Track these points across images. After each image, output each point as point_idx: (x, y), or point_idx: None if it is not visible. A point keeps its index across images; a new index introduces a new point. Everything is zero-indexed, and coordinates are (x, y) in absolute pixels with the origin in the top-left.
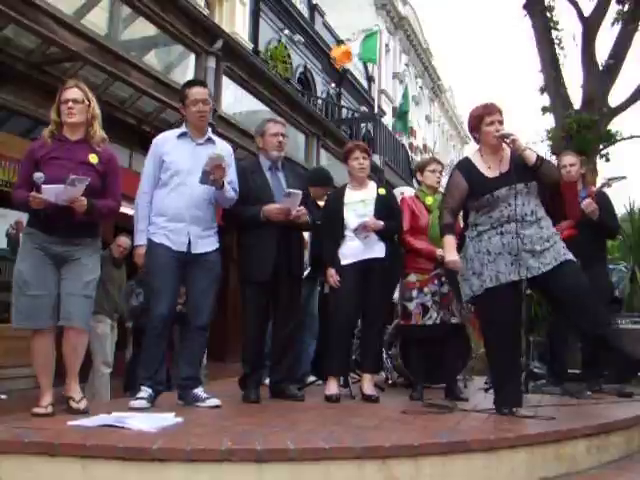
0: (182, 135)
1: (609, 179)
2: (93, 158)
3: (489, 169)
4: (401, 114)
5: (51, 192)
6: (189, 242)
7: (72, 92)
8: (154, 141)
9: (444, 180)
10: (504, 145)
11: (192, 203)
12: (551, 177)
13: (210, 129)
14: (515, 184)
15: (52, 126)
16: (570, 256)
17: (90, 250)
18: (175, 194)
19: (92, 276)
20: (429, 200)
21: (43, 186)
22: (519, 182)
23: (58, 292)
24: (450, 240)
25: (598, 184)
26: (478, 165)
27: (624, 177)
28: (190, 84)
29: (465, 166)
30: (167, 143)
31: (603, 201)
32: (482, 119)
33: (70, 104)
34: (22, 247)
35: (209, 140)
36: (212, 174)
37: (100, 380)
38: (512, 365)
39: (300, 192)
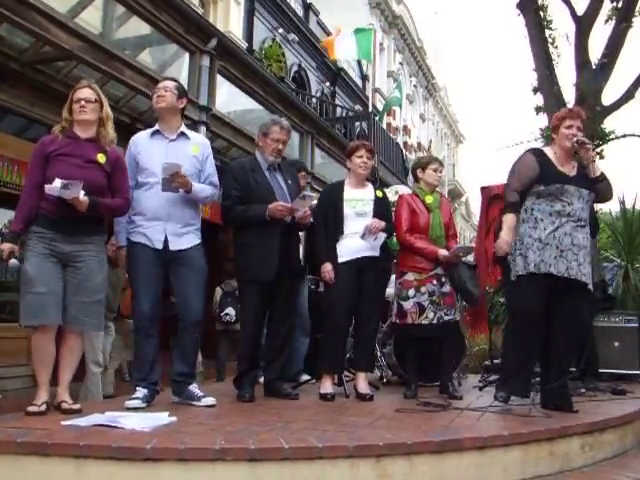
0: (154, 133)
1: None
2: (101, 157)
3: (561, 167)
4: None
5: (54, 190)
6: (166, 239)
7: (85, 92)
8: (129, 142)
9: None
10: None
11: (167, 201)
12: (605, 195)
13: (183, 124)
14: (582, 187)
15: (64, 123)
16: (590, 283)
17: (96, 250)
18: (150, 193)
19: (99, 278)
20: (429, 199)
21: (47, 186)
22: (585, 188)
23: (64, 290)
24: (510, 219)
25: None
26: (551, 158)
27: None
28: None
29: (539, 153)
30: (139, 144)
31: None
32: (563, 120)
33: (82, 102)
34: (29, 246)
35: (182, 135)
36: (173, 182)
37: (91, 379)
38: (528, 356)
39: (314, 195)
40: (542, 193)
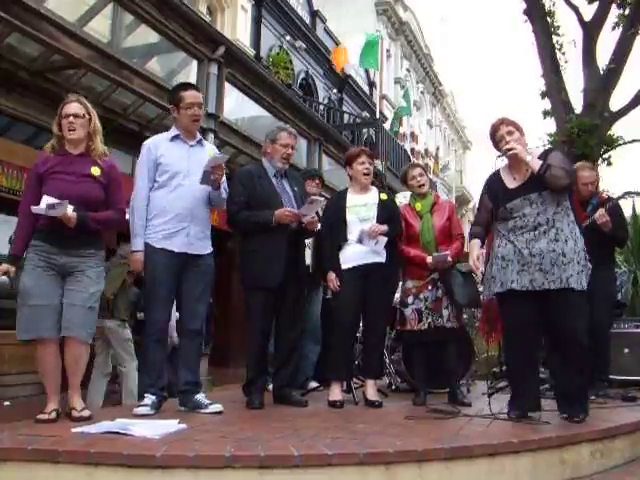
0: (174, 138)
1: (627, 193)
2: (95, 171)
3: (514, 180)
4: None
5: (41, 210)
6: (187, 243)
7: (73, 107)
8: (146, 145)
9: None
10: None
11: (192, 204)
12: (553, 186)
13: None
14: (530, 192)
15: (54, 140)
16: (576, 285)
17: (93, 262)
18: (175, 195)
19: (96, 288)
20: (418, 206)
21: (33, 207)
22: (532, 192)
23: (61, 303)
24: (474, 243)
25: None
26: (505, 177)
27: None
28: (185, 87)
29: (490, 182)
30: (161, 146)
31: (615, 212)
32: (494, 137)
33: (71, 119)
34: (27, 260)
35: (200, 142)
36: (212, 174)
37: (134, 382)
38: (526, 370)
39: (322, 200)
40: (499, 216)
